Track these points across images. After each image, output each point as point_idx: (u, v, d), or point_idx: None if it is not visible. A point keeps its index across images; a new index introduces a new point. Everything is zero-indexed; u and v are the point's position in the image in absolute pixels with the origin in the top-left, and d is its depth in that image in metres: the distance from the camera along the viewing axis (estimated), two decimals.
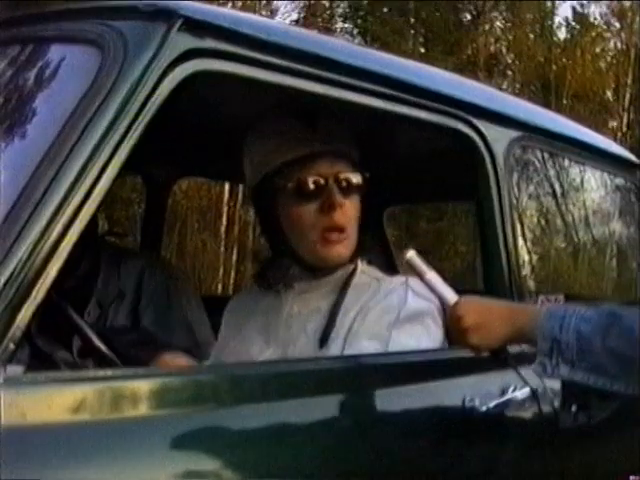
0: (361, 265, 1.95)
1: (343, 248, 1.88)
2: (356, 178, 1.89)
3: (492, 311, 1.72)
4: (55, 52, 1.66)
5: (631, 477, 2.04)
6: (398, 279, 1.93)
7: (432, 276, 1.74)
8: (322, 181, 1.85)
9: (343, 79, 1.79)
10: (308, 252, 1.89)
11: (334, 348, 1.84)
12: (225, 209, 16.53)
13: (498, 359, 1.74)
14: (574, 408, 2.01)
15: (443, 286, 1.74)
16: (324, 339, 1.84)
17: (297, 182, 1.85)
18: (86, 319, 2.33)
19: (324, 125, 1.88)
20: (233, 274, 16.50)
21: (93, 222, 1.41)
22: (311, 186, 1.85)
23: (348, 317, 1.87)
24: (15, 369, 1.31)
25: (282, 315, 1.93)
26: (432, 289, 1.75)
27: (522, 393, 1.94)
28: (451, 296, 1.73)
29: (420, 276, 1.75)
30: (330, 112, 1.90)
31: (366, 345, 1.83)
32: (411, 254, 1.74)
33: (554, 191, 2.63)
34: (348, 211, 1.87)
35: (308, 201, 1.86)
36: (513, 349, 1.81)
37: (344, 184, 1.87)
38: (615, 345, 1.57)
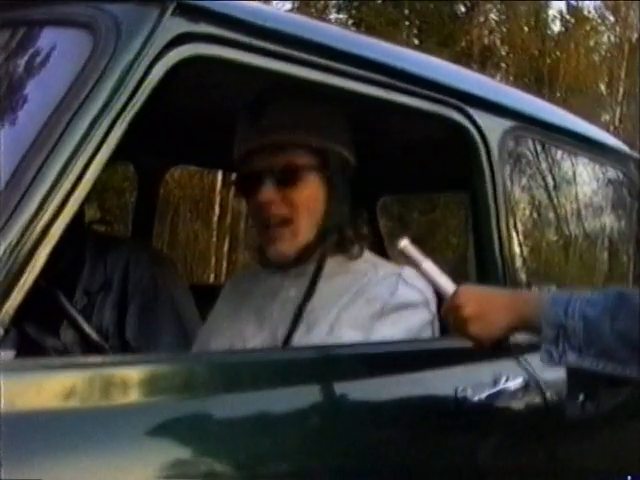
0: (359, 251, 1.94)
1: (283, 245, 1.86)
2: (302, 160, 1.86)
3: (493, 300, 1.66)
4: (46, 36, 1.64)
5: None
6: (392, 268, 1.92)
7: (428, 265, 1.70)
8: (256, 177, 1.85)
9: (338, 66, 1.78)
10: (262, 245, 1.91)
11: (318, 335, 1.82)
12: (217, 198, 16.51)
13: (501, 350, 1.69)
14: (581, 397, 1.96)
15: (440, 275, 1.70)
16: (291, 330, 1.82)
17: (238, 180, 1.91)
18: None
19: (268, 117, 1.85)
20: (225, 263, 16.50)
21: (80, 210, 1.40)
22: (247, 183, 1.88)
23: (338, 303, 1.85)
24: (5, 354, 1.30)
25: (278, 297, 1.93)
26: (428, 278, 1.71)
27: (515, 383, 1.93)
28: (449, 285, 1.68)
29: (415, 265, 1.71)
30: (279, 103, 1.87)
31: (348, 334, 1.81)
32: (405, 243, 1.70)
33: (547, 182, 2.63)
34: (291, 201, 1.85)
35: (248, 197, 1.88)
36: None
37: (283, 174, 1.85)
38: (624, 328, 1.50)
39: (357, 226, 1.97)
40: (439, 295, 1.76)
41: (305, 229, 1.87)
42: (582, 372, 1.59)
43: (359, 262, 1.94)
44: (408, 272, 1.87)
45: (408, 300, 1.85)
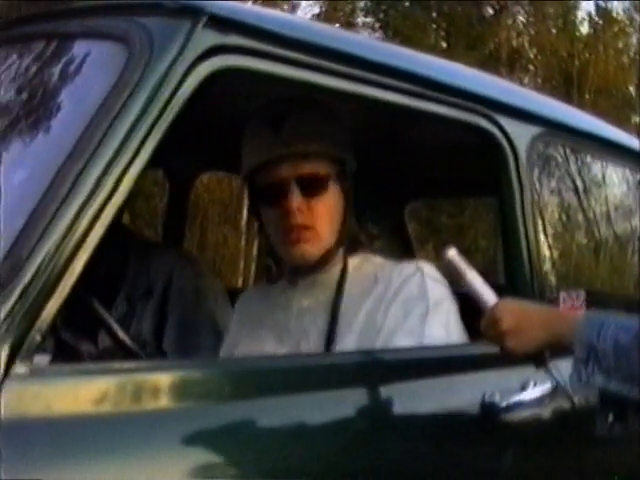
0: (364, 254, 1.97)
1: (309, 246, 1.88)
2: (324, 170, 1.89)
3: (530, 315, 1.69)
4: (81, 48, 1.68)
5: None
6: (409, 265, 1.93)
7: (473, 276, 1.72)
8: (282, 185, 1.86)
9: (366, 75, 1.80)
10: (280, 252, 1.92)
11: (346, 343, 1.84)
12: (246, 203, 16.52)
13: (536, 364, 1.72)
14: (611, 418, 1.98)
15: (483, 286, 1.71)
16: (331, 337, 1.85)
17: (261, 188, 1.89)
18: (114, 314, 2.35)
19: (290, 127, 1.86)
20: (253, 267, 16.51)
21: (119, 217, 1.42)
22: (272, 191, 1.87)
23: (362, 309, 1.87)
24: (41, 360, 1.33)
25: (292, 310, 1.95)
26: (472, 289, 1.72)
27: (543, 389, 1.94)
28: (491, 297, 1.70)
29: (461, 276, 1.72)
30: (300, 113, 1.89)
31: (402, 342, 1.83)
32: (452, 253, 1.72)
33: (576, 187, 2.63)
34: (315, 210, 1.87)
35: (271, 205, 1.88)
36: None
37: (308, 183, 1.87)
38: None
39: (364, 227, 1.99)
40: (480, 305, 1.75)
41: (327, 236, 1.90)
42: (612, 394, 1.60)
43: (374, 263, 1.97)
44: (426, 267, 1.90)
45: (441, 296, 1.88)
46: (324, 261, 1.91)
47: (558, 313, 1.73)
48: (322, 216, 1.88)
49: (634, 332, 1.56)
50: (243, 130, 1.95)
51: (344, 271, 1.92)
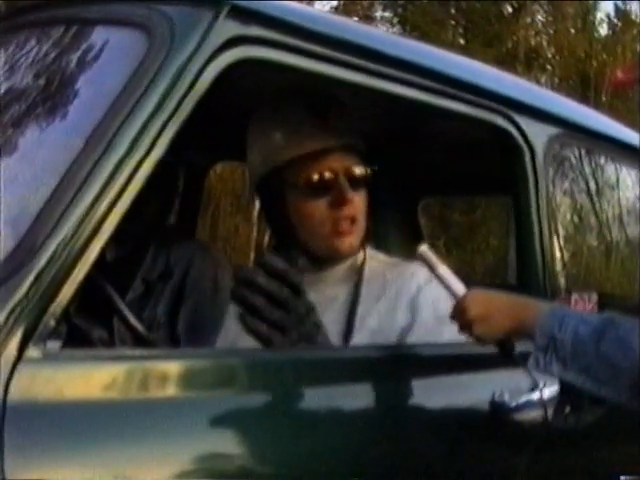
0: (368, 251, 1.98)
1: (354, 239, 1.90)
2: (364, 172, 1.91)
3: (496, 304, 1.73)
4: (101, 34, 1.68)
5: (622, 477, 2.05)
6: (419, 267, 1.92)
7: (443, 270, 1.77)
8: (332, 176, 1.86)
9: (386, 70, 1.80)
10: (319, 244, 1.90)
11: (360, 338, 1.85)
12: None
13: (504, 352, 1.74)
14: (567, 409, 2.02)
15: (453, 279, 1.77)
16: (348, 333, 1.85)
17: (308, 177, 1.86)
18: (131, 295, 2.37)
19: (335, 120, 1.87)
20: None
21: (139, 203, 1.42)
22: (322, 181, 1.86)
23: (374, 309, 1.88)
24: (53, 345, 1.33)
25: None
26: (443, 282, 1.77)
27: (551, 390, 1.94)
28: (460, 289, 1.75)
29: (432, 269, 1.77)
30: (341, 106, 1.91)
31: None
32: (423, 248, 1.78)
33: (591, 188, 2.63)
34: (357, 204, 1.89)
35: (319, 196, 1.87)
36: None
37: (353, 178, 1.88)
38: (608, 351, 1.58)
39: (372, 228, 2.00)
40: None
41: (362, 232, 1.92)
42: (572, 386, 1.66)
43: (379, 260, 1.99)
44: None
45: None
46: (348, 256, 1.93)
47: (524, 302, 1.77)
48: (362, 210, 1.91)
49: (593, 326, 1.62)
50: (256, 118, 1.94)
51: (362, 269, 1.94)
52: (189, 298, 2.42)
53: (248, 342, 1.92)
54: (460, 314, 1.72)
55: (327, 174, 1.86)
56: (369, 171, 1.92)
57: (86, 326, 1.92)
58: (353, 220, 1.88)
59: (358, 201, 1.89)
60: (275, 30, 1.60)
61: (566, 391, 1.95)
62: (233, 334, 2.00)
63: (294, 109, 1.88)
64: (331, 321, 1.86)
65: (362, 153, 1.93)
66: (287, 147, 1.87)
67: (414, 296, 1.89)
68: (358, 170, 1.89)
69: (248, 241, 16.73)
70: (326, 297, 1.91)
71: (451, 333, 1.79)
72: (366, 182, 1.92)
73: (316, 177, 1.86)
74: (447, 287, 1.77)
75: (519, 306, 1.75)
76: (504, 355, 1.74)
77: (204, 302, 2.41)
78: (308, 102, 1.88)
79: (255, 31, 1.57)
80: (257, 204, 16.91)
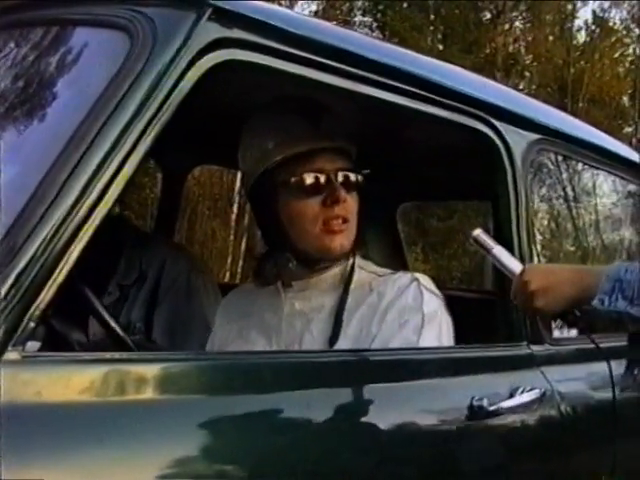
0: (358, 260, 1.97)
1: (345, 239, 1.89)
2: (355, 176, 1.91)
3: (557, 274, 1.75)
4: (82, 36, 1.67)
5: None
6: (405, 276, 1.93)
7: (498, 250, 1.81)
8: (324, 176, 1.86)
9: (367, 75, 1.80)
10: (310, 244, 1.89)
11: (342, 345, 1.84)
12: (237, 198, 16.53)
13: (567, 322, 1.76)
14: (637, 371, 2.04)
15: (509, 258, 1.81)
16: (333, 339, 1.85)
17: (299, 177, 1.86)
18: (106, 299, 2.35)
19: (327, 122, 1.88)
20: (241, 263, 16.51)
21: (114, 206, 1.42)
22: (313, 181, 1.86)
23: (355, 316, 1.88)
24: (31, 347, 1.32)
25: (282, 313, 1.94)
26: (498, 262, 1.81)
27: (530, 394, 1.95)
28: (517, 266, 1.79)
29: (487, 250, 1.82)
30: (332, 109, 1.91)
31: None
32: (477, 232, 1.83)
33: (568, 195, 2.64)
34: (350, 205, 1.89)
35: (310, 195, 1.87)
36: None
37: (345, 180, 1.88)
38: None
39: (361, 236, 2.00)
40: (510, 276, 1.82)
41: (353, 235, 1.92)
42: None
43: (366, 269, 1.98)
44: (422, 278, 1.91)
45: (435, 308, 1.88)
46: (338, 259, 1.93)
47: (587, 269, 1.81)
48: (354, 212, 1.91)
49: None
50: (241, 125, 1.94)
51: (352, 271, 1.94)
52: (163, 301, 2.41)
53: (239, 348, 1.93)
54: (521, 288, 1.73)
55: (320, 174, 1.86)
56: (360, 177, 1.92)
57: (64, 329, 1.91)
58: (345, 220, 1.88)
59: (351, 202, 1.89)
60: (258, 33, 1.60)
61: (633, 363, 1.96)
62: (223, 340, 2.01)
63: (285, 113, 1.89)
64: (318, 330, 1.87)
65: (353, 158, 1.94)
66: (278, 149, 1.87)
67: (389, 301, 1.88)
68: (348, 173, 1.89)
69: (225, 246, 16.71)
70: (313, 306, 1.92)
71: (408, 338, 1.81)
72: (358, 186, 1.92)
73: (308, 176, 1.86)
74: (503, 266, 1.80)
75: (582, 273, 1.77)
76: (569, 325, 1.76)
77: (178, 305, 2.40)
78: (301, 105, 1.89)
79: (237, 34, 1.57)
80: (235, 209, 16.92)
